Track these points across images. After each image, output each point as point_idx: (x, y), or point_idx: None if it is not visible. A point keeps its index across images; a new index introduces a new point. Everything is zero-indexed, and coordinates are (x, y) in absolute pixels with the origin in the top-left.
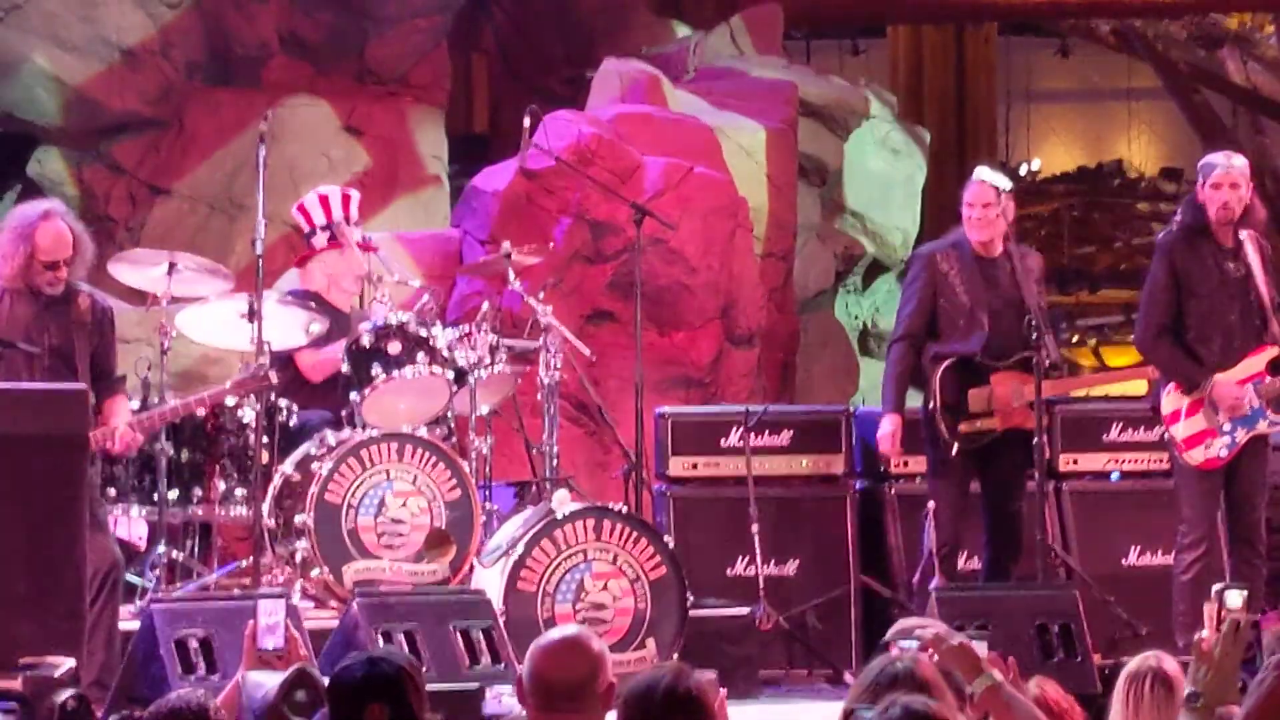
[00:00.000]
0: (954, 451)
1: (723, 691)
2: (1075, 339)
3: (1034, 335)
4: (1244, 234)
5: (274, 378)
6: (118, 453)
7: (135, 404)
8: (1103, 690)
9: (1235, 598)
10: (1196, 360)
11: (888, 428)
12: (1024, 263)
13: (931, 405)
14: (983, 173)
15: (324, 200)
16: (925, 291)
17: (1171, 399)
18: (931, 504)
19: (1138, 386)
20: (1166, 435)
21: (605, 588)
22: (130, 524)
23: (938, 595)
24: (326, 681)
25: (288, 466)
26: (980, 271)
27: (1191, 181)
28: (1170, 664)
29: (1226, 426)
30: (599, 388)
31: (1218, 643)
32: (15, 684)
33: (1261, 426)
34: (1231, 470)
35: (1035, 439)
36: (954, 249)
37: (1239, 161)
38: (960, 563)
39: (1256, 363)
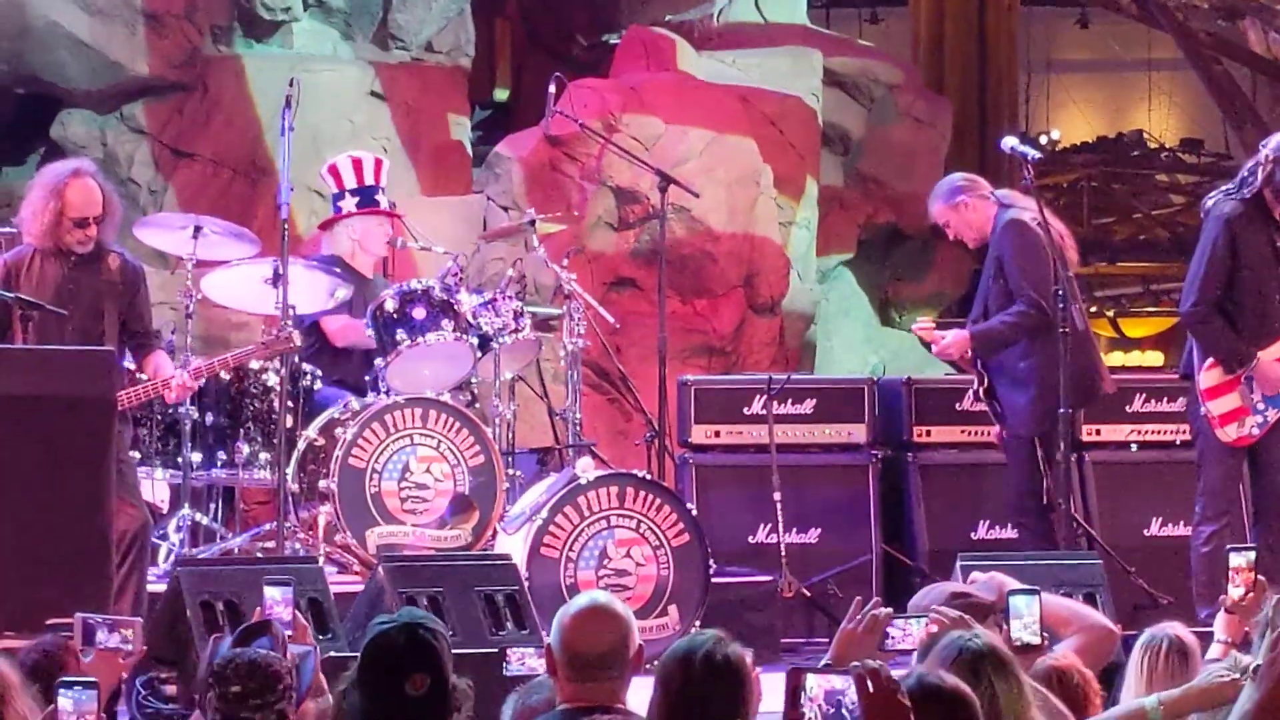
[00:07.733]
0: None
1: (758, 669)
2: (1093, 309)
3: (1060, 305)
4: None
5: (298, 339)
6: (175, 399)
7: None
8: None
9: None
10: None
11: None
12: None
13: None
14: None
15: (357, 164)
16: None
17: (1212, 374)
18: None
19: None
20: (1202, 409)
21: (628, 554)
22: (153, 486)
23: (961, 563)
24: (362, 645)
25: (312, 431)
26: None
27: (1214, 153)
28: (1186, 634)
29: (1261, 405)
30: (621, 355)
31: None
32: None
33: None
34: (1259, 445)
35: (1060, 409)
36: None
37: None
38: (983, 531)
39: None
